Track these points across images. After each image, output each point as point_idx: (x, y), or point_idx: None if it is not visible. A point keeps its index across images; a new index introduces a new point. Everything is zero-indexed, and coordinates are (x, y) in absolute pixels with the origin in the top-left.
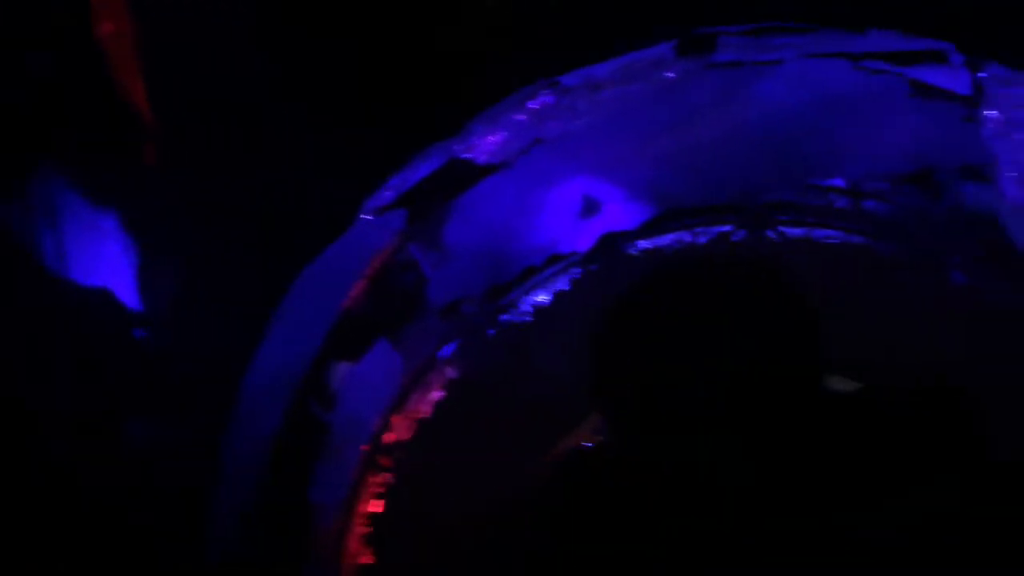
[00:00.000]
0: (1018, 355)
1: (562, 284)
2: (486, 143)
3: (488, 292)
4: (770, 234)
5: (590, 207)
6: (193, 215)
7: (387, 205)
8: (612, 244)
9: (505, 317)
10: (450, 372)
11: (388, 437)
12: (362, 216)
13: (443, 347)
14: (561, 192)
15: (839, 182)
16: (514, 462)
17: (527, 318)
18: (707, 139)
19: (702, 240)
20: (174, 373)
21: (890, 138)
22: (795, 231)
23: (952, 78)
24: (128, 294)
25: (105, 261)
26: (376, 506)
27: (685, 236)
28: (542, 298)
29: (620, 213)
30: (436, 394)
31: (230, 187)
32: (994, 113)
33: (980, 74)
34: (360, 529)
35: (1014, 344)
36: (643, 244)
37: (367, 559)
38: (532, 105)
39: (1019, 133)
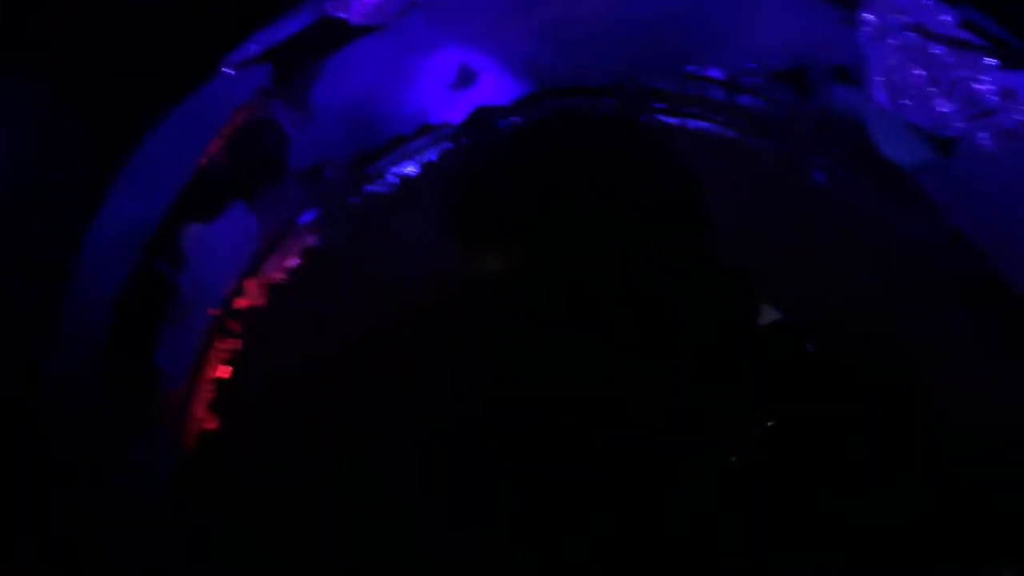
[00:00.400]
0: (868, 254)
1: (431, 156)
2: (361, 3)
3: (354, 159)
4: (646, 121)
5: (465, 78)
6: (38, 64)
7: (251, 59)
8: (485, 118)
9: (370, 186)
10: (309, 239)
11: (239, 302)
12: (223, 69)
13: (303, 213)
14: (436, 60)
15: (716, 73)
16: (369, 333)
17: (393, 189)
18: (588, 15)
19: (577, 116)
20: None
21: (768, 33)
22: (671, 119)
23: None
24: None
25: None
26: (224, 372)
27: (559, 115)
28: (410, 169)
29: (495, 86)
30: (292, 260)
31: (80, 34)
32: (870, 17)
33: None
34: (206, 395)
35: (866, 243)
36: (518, 120)
37: (212, 425)
38: None
39: (892, 39)
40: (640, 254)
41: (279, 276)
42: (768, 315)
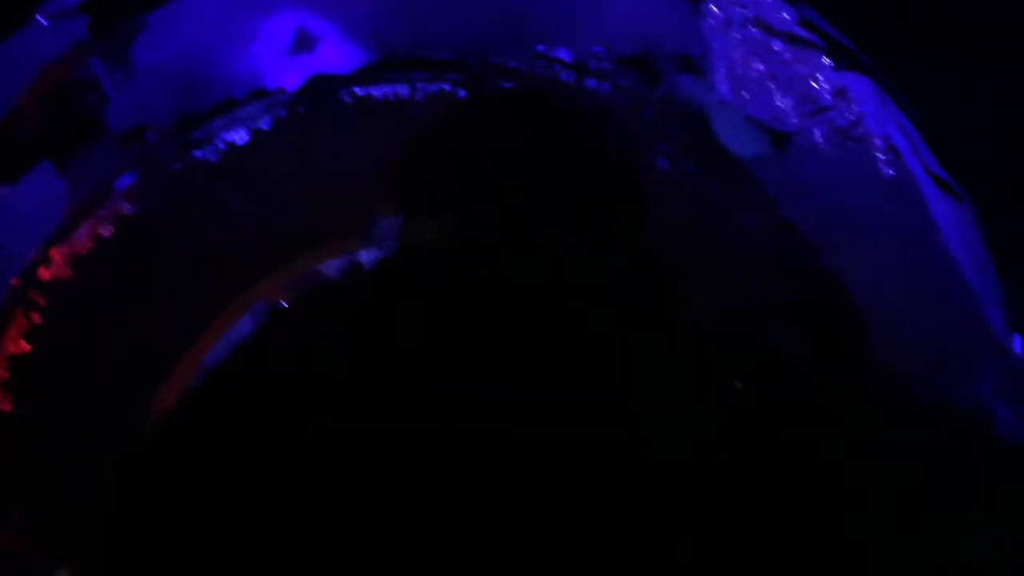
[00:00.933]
0: (706, 239)
1: (263, 123)
2: None
3: (178, 122)
4: (493, 97)
5: (304, 43)
6: None
7: (69, 10)
8: (322, 87)
9: (196, 152)
10: (124, 206)
11: (43, 273)
12: (37, 18)
13: (119, 178)
14: (273, 22)
15: (564, 54)
16: (187, 311)
17: (219, 156)
18: None
19: (420, 96)
20: None
21: (616, 18)
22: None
23: None
24: None
25: None
26: (21, 348)
27: (402, 89)
28: (239, 136)
29: (335, 54)
30: (105, 229)
31: None
32: (715, 9)
33: None
34: (1, 374)
35: (704, 230)
36: (357, 91)
37: (5, 406)
38: None
39: (736, 32)
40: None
41: (88, 246)
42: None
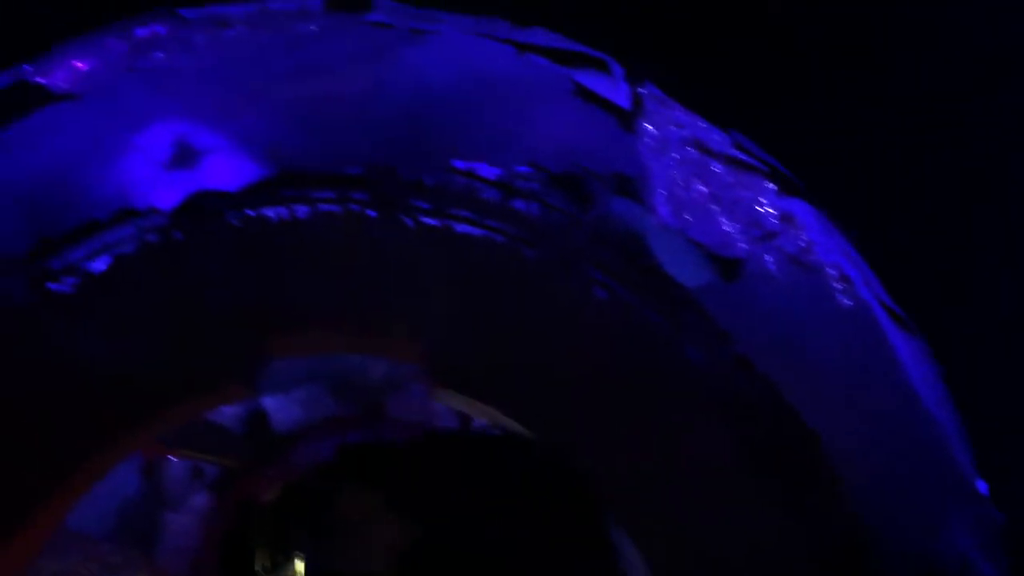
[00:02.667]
0: (646, 372)
1: (130, 248)
2: (70, 68)
3: (29, 250)
4: (405, 219)
5: (185, 156)
6: None
7: None
8: (204, 206)
9: (50, 284)
10: None
11: None
12: None
13: None
14: (150, 134)
15: (486, 170)
16: (34, 470)
17: (76, 289)
18: (341, 95)
19: (321, 216)
20: None
21: (547, 134)
22: (432, 220)
23: (612, 88)
24: None
25: None
26: None
27: (300, 208)
28: (100, 264)
29: (222, 169)
30: None
31: None
32: (651, 129)
33: (640, 89)
34: None
35: (643, 363)
36: (247, 211)
37: None
38: (139, 33)
39: (674, 152)
40: None
41: None
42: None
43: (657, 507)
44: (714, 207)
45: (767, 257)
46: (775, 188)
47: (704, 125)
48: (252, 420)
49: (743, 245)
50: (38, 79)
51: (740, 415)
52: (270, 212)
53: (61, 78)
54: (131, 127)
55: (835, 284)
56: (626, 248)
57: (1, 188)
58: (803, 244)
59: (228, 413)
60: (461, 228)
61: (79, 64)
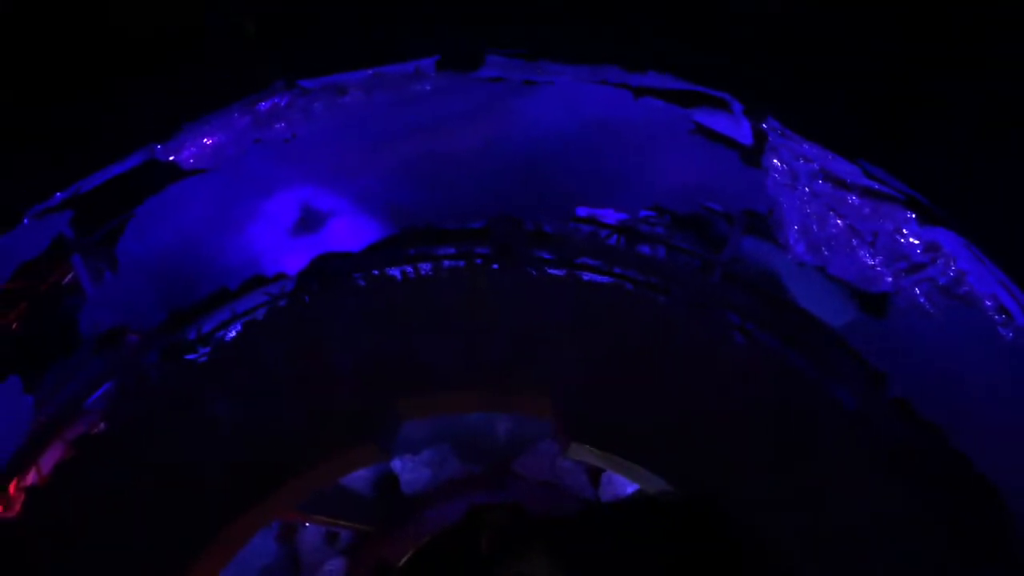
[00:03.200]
0: (793, 419)
1: (260, 314)
2: (198, 145)
3: (164, 321)
4: (530, 271)
5: (309, 221)
6: None
7: (53, 207)
8: (330, 268)
9: (186, 355)
10: (95, 423)
11: None
12: (25, 220)
13: (93, 392)
14: (275, 201)
15: (610, 215)
16: (172, 540)
17: (209, 357)
18: (457, 151)
19: (445, 272)
20: None
21: (670, 176)
22: (557, 271)
23: (733, 126)
24: None
25: None
26: None
27: (424, 266)
28: (232, 332)
29: (346, 231)
30: (64, 454)
31: None
32: (778, 164)
33: (762, 125)
34: None
35: (790, 410)
36: (372, 270)
37: None
38: (262, 107)
39: (804, 185)
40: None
41: (47, 477)
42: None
43: (814, 568)
44: (853, 240)
45: (916, 290)
46: (916, 217)
47: (832, 156)
48: (382, 483)
49: (889, 279)
50: (169, 157)
51: (904, 465)
52: (394, 271)
53: (189, 154)
54: (256, 196)
55: (994, 316)
56: (762, 289)
57: (134, 264)
58: (954, 274)
59: (359, 477)
60: (587, 276)
61: (206, 140)
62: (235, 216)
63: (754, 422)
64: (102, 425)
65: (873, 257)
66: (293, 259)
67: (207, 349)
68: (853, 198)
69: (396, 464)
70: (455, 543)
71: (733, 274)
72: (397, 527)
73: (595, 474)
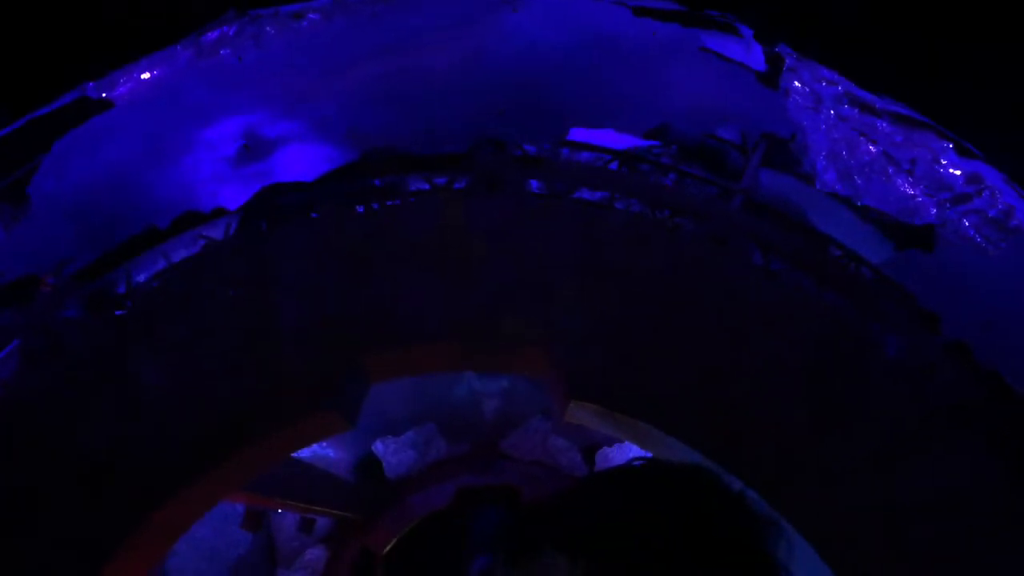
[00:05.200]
0: (832, 371)
1: (194, 255)
2: (134, 80)
3: (82, 268)
4: (521, 201)
5: (256, 149)
6: None
7: None
8: (277, 201)
9: (108, 305)
10: None
11: None
12: None
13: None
14: (215, 129)
15: (612, 138)
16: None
17: (135, 308)
18: (432, 68)
19: (414, 201)
20: None
21: (679, 97)
22: (553, 200)
23: (744, 50)
24: None
25: None
26: None
27: (392, 197)
28: (161, 278)
29: (298, 158)
30: None
31: None
32: (799, 86)
33: (775, 48)
34: None
35: (829, 360)
36: (326, 201)
37: None
38: (208, 37)
39: (829, 109)
40: None
41: None
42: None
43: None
44: (889, 168)
45: (965, 222)
46: (953, 147)
47: (852, 83)
48: (364, 467)
49: (933, 210)
50: (101, 94)
51: (966, 420)
52: (355, 203)
53: (125, 91)
54: (193, 125)
55: None
56: (789, 220)
57: (49, 204)
58: (1003, 207)
59: (338, 460)
60: (588, 207)
61: (144, 75)
62: (169, 147)
63: (788, 376)
64: (3, 394)
65: (913, 186)
66: (235, 192)
67: (134, 301)
68: (883, 124)
69: (378, 446)
70: (443, 529)
71: (755, 204)
72: (380, 513)
73: (589, 453)
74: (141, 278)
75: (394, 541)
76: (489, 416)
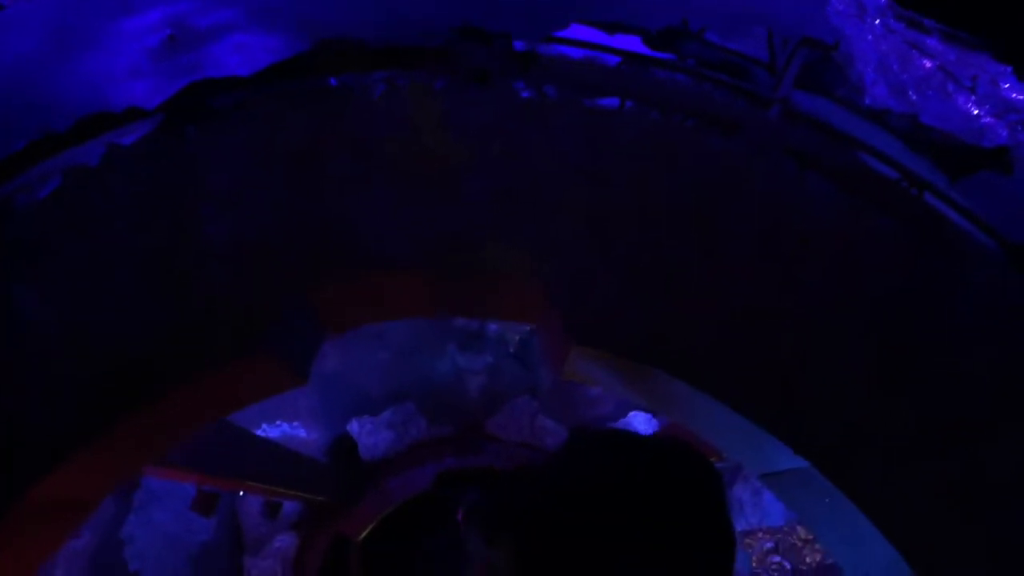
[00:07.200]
0: (893, 306)
1: (103, 166)
2: None
3: None
4: (510, 102)
5: (182, 41)
6: None
7: None
8: (206, 99)
9: None
10: None
11: None
12: None
13: None
14: (137, 21)
15: (619, 37)
16: None
17: (27, 229)
18: None
19: (382, 97)
20: None
21: None
22: (551, 102)
23: None
24: None
25: None
26: None
27: (350, 95)
28: (60, 194)
29: (235, 50)
30: None
31: None
32: None
33: None
34: None
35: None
36: (269, 103)
37: None
38: None
39: (875, 20)
40: None
41: None
42: None
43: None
44: (948, 85)
45: None
46: (1012, 71)
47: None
48: (337, 448)
49: (1004, 132)
50: None
51: None
52: (303, 103)
53: None
54: (110, 14)
55: None
56: (837, 134)
57: None
58: None
59: (308, 441)
60: (595, 111)
61: None
62: (79, 40)
63: (846, 321)
64: None
65: (977, 106)
66: (156, 89)
67: (21, 221)
68: (934, 42)
69: (353, 426)
70: (422, 514)
71: (795, 116)
72: (356, 497)
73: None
74: (35, 193)
75: (371, 526)
76: (473, 394)
